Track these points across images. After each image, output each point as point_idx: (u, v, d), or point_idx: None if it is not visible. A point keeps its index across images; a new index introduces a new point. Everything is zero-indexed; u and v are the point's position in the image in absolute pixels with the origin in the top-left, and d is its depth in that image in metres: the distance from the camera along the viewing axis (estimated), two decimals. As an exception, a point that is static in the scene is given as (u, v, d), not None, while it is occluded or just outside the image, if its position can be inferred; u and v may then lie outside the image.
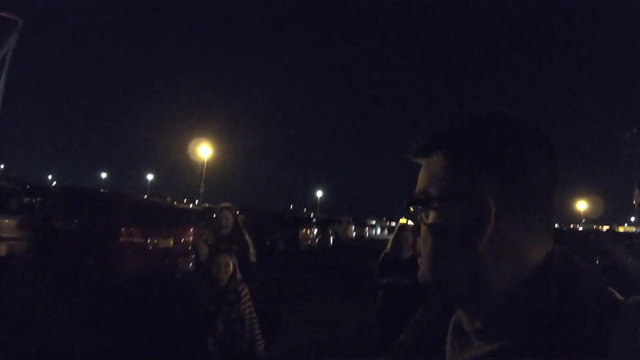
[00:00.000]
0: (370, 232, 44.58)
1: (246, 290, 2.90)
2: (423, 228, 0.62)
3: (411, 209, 0.65)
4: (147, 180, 67.84)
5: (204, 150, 31.22)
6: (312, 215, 36.55)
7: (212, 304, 2.83)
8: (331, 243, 21.48)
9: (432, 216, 0.60)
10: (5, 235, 7.12)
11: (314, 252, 17.38)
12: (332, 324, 6.42)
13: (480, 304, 0.56)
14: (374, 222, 54.30)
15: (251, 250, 3.50)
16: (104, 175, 70.23)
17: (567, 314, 0.49)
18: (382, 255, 3.96)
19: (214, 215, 3.39)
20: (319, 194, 72.11)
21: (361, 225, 39.44)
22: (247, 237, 3.56)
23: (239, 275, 2.93)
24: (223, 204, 3.76)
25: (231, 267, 2.89)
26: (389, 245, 3.95)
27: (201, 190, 31.32)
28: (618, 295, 0.53)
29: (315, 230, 19.21)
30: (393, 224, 59.13)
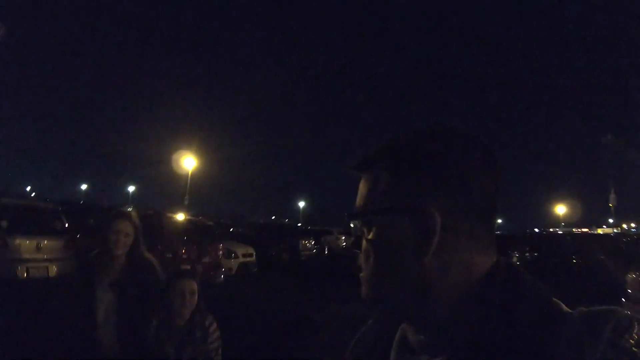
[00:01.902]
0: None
1: (215, 324, 2.28)
2: (364, 243, 0.61)
3: (351, 224, 0.63)
4: (129, 191, 66.64)
5: (188, 162, 31.38)
6: (298, 225, 37.13)
7: (170, 347, 2.15)
8: (326, 252, 22.38)
9: (374, 231, 0.59)
10: (53, 256, 7.46)
11: (312, 261, 18.09)
12: (357, 324, 7.10)
13: (425, 318, 0.55)
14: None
15: (158, 273, 2.46)
16: (84, 186, 68.39)
17: (512, 325, 0.49)
18: None
19: (107, 227, 2.36)
20: (302, 204, 72.67)
21: (350, 235, 40.22)
22: (149, 255, 2.50)
23: (203, 305, 2.28)
24: (120, 210, 2.68)
25: (197, 294, 2.24)
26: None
27: (185, 202, 31.49)
28: (564, 307, 0.52)
29: (313, 241, 20.02)
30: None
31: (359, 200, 0.63)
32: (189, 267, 2.39)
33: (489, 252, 0.57)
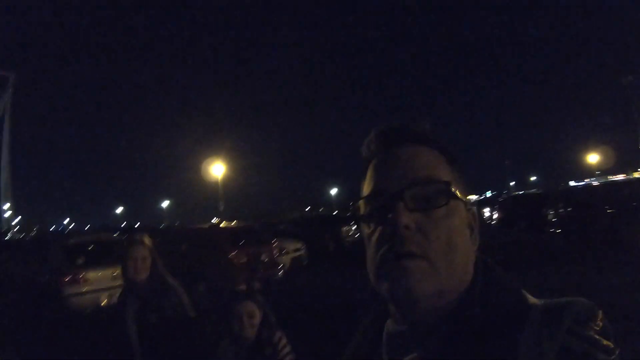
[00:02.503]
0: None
1: (284, 339, 2.19)
2: (410, 220, 0.54)
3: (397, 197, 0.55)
4: (162, 207, 68.80)
5: (217, 169, 32.03)
6: (334, 213, 37.50)
7: None
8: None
9: (438, 210, 0.55)
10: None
11: (356, 246, 18.41)
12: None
13: (413, 312, 0.54)
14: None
15: (183, 299, 2.43)
16: (119, 209, 71.02)
17: (484, 317, 0.50)
18: None
19: (125, 255, 2.37)
20: (334, 191, 72.95)
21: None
22: (170, 278, 2.47)
23: (272, 319, 2.22)
24: (132, 236, 2.60)
25: (258, 315, 2.15)
26: None
27: (221, 208, 32.30)
28: (531, 298, 0.53)
29: (354, 227, 20.31)
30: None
31: (425, 169, 0.58)
32: (244, 287, 2.26)
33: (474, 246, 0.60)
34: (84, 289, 7.54)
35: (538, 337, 0.47)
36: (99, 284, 7.71)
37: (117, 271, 7.82)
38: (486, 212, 23.96)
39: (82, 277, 7.51)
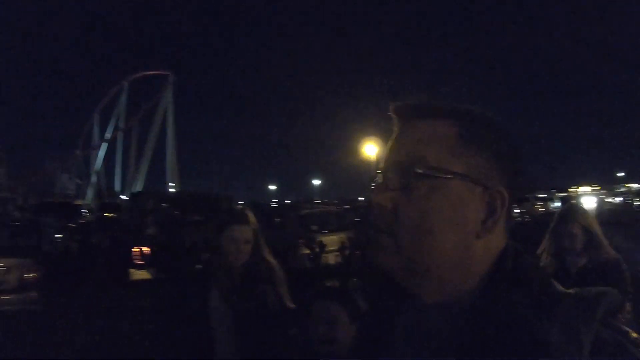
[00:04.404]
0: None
1: None
2: (399, 199, 0.54)
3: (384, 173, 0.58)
4: (313, 185, 73.21)
5: (369, 149, 32.54)
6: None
7: None
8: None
9: (431, 192, 0.53)
10: (342, 246, 9.79)
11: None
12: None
13: (438, 297, 0.54)
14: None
15: (282, 288, 2.07)
16: (272, 187, 77.77)
17: (513, 307, 0.49)
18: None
19: (221, 234, 1.99)
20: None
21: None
22: (272, 264, 2.09)
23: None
24: (235, 211, 2.25)
25: (339, 323, 1.59)
26: (542, 246, 2.46)
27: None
28: (561, 288, 0.52)
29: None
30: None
31: (413, 147, 0.56)
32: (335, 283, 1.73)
33: (506, 234, 0.57)
34: (317, 250, 9.30)
35: (572, 327, 0.46)
36: (330, 246, 9.37)
37: (343, 236, 9.63)
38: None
39: (317, 240, 9.25)
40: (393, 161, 0.57)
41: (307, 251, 8.89)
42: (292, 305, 2.02)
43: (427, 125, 0.57)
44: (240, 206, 2.41)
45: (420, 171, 0.54)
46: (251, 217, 2.04)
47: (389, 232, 0.54)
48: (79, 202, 18.05)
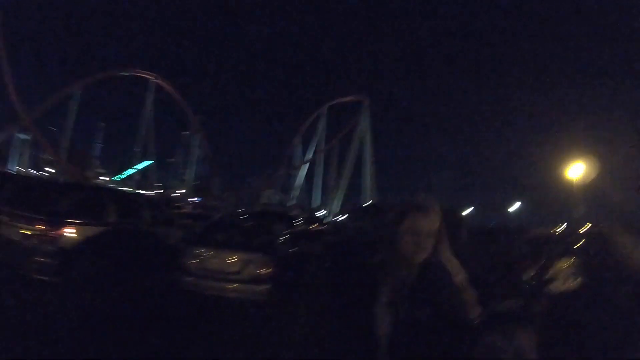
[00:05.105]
0: None
1: None
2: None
3: None
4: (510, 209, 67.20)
5: (575, 168, 27.98)
6: None
7: None
8: None
9: None
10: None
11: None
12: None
13: None
14: None
15: (466, 294, 1.69)
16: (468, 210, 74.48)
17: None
18: None
19: (400, 224, 1.68)
20: None
21: None
22: (455, 266, 1.72)
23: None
24: (419, 201, 1.76)
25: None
26: None
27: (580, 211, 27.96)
28: None
29: None
30: None
31: None
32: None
33: None
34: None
35: None
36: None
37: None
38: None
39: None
40: None
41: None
42: (478, 318, 1.62)
43: None
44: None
45: None
46: (437, 208, 1.70)
47: None
48: (293, 213, 20.45)
